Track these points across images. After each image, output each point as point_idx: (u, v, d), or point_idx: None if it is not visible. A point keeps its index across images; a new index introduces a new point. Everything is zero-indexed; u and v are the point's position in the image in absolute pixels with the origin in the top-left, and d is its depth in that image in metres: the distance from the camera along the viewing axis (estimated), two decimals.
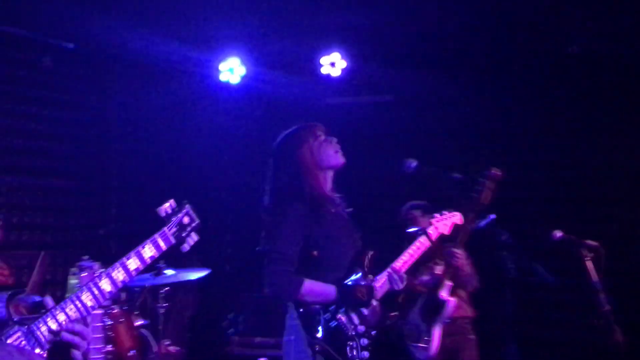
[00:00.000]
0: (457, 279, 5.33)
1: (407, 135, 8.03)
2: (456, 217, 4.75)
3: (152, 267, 5.57)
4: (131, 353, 5.41)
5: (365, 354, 3.90)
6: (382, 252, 4.30)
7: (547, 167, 7.64)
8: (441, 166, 4.87)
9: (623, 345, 4.30)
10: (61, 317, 2.54)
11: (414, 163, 4.74)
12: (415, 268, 5.48)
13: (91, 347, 4.41)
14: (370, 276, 4.10)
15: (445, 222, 4.70)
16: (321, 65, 7.86)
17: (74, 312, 2.57)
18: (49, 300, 2.57)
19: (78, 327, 2.56)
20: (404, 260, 4.34)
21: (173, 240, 2.84)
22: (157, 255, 2.79)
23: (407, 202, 5.84)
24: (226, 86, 8.05)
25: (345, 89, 8.43)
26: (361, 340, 3.91)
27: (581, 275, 4.43)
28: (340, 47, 7.76)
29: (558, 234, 4.67)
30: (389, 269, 4.25)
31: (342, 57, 7.80)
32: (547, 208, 7.35)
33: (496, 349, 5.21)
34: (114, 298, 5.42)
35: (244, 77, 7.96)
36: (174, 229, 2.85)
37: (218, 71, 7.91)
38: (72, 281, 4.28)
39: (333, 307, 3.95)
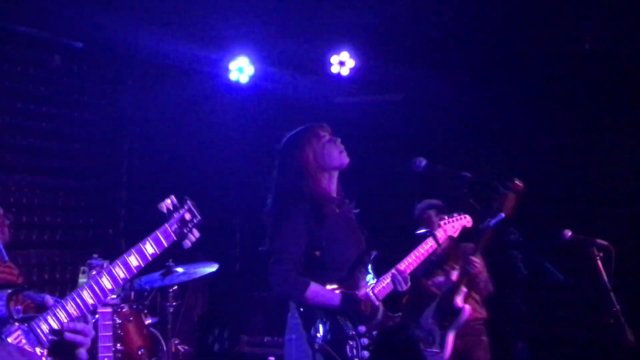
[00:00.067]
0: (474, 285, 5.32)
1: (416, 135, 8.00)
2: (466, 220, 4.73)
3: (162, 265, 5.57)
4: (140, 352, 5.42)
5: (365, 353, 3.90)
6: (390, 252, 4.29)
7: (558, 166, 7.60)
8: (451, 165, 4.85)
9: (634, 344, 4.28)
10: (62, 315, 2.54)
11: (423, 162, 4.72)
12: (430, 269, 5.48)
13: (99, 345, 4.42)
14: (373, 280, 4.12)
15: (454, 224, 4.69)
16: (330, 65, 7.84)
17: (75, 310, 2.56)
18: (48, 299, 2.56)
19: (79, 325, 2.55)
20: (409, 262, 4.34)
21: (174, 237, 2.81)
22: (158, 251, 2.77)
23: (424, 200, 5.82)
24: (235, 85, 8.05)
25: (355, 88, 8.41)
26: (361, 340, 3.91)
27: (591, 274, 4.42)
28: (350, 47, 7.75)
29: (568, 233, 4.66)
30: (393, 270, 4.26)
31: (351, 57, 7.78)
32: (557, 207, 7.32)
33: (506, 348, 5.19)
34: (124, 298, 5.43)
35: (253, 77, 7.96)
36: (175, 226, 2.81)
37: (227, 70, 7.91)
38: (82, 280, 4.28)
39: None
